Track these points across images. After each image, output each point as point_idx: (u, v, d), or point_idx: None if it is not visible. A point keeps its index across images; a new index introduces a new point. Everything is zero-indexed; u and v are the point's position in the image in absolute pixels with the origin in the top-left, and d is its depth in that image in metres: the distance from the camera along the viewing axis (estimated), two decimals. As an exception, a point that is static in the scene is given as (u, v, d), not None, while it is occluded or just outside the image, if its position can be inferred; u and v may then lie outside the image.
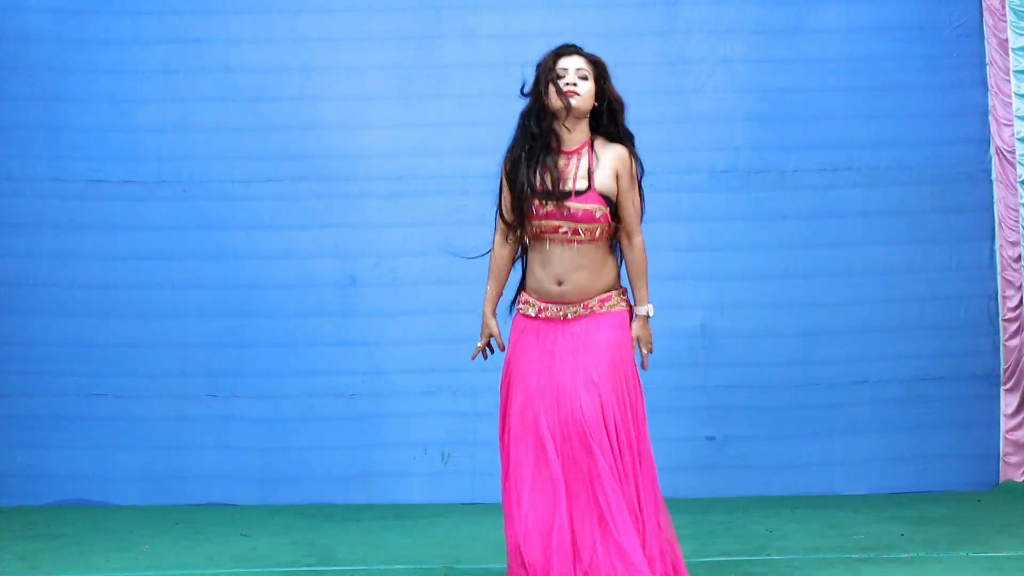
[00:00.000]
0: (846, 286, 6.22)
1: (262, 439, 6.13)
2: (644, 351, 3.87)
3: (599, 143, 3.81)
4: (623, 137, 3.84)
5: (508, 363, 3.88)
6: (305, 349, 6.18)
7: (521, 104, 3.84)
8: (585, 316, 3.79)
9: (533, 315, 3.85)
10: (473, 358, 4.03)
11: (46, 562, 4.63)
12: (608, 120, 3.82)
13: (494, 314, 3.99)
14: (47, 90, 6.23)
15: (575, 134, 3.79)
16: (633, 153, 3.82)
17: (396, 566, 4.50)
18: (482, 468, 6.06)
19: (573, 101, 3.71)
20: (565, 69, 3.74)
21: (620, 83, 5.73)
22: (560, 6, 6.34)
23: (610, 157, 3.77)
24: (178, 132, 6.24)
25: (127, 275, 6.18)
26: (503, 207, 3.95)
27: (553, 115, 3.76)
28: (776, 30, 6.31)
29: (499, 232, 4.02)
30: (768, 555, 4.59)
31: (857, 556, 4.53)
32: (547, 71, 3.76)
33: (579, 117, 3.77)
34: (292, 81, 6.28)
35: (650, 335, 3.88)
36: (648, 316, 3.85)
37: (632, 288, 3.88)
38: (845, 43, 6.29)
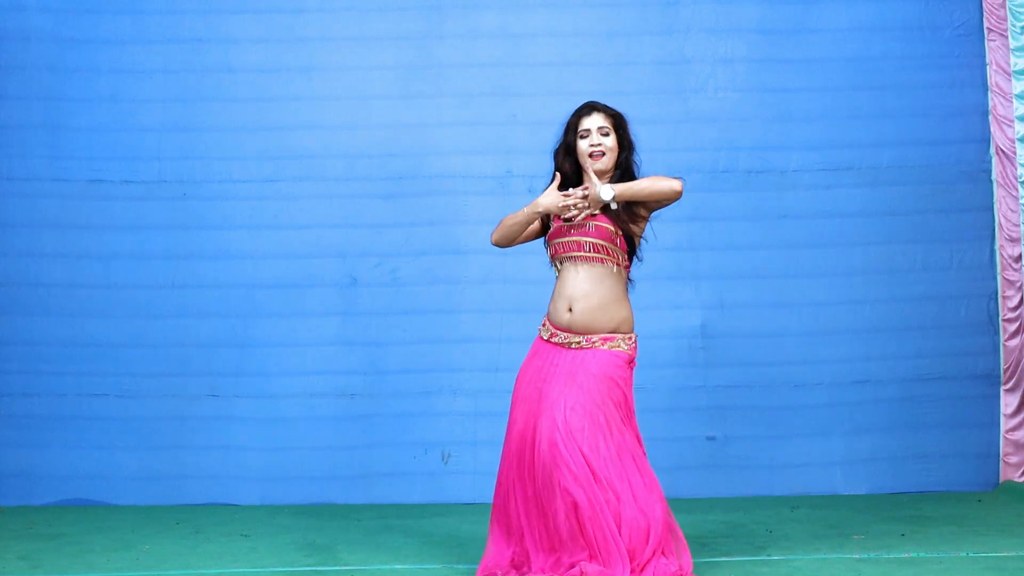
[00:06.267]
0: (846, 286, 6.23)
1: (262, 439, 6.13)
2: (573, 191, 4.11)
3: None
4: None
5: (518, 380, 4.21)
6: (305, 349, 6.18)
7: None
8: (587, 349, 4.10)
9: (546, 337, 4.20)
10: (574, 210, 4.15)
11: (46, 562, 4.63)
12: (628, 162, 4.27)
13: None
14: (47, 90, 6.23)
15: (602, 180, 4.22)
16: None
17: (396, 566, 4.50)
18: (482, 468, 6.06)
19: (598, 165, 4.17)
20: (588, 130, 4.20)
21: (620, 83, 5.78)
22: (560, 6, 6.34)
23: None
24: (178, 132, 6.25)
25: (127, 275, 6.18)
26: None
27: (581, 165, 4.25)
28: (776, 30, 6.31)
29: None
30: (768, 555, 4.59)
31: (857, 556, 4.53)
32: (572, 131, 4.24)
33: (608, 172, 4.22)
34: (292, 81, 6.28)
35: (597, 199, 4.07)
36: (603, 197, 4.05)
37: None
38: (846, 43, 6.30)
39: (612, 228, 4.12)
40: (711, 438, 6.18)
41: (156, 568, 4.52)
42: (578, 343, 4.10)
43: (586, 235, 4.13)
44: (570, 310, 4.12)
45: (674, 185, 4.08)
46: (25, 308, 6.15)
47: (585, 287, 4.12)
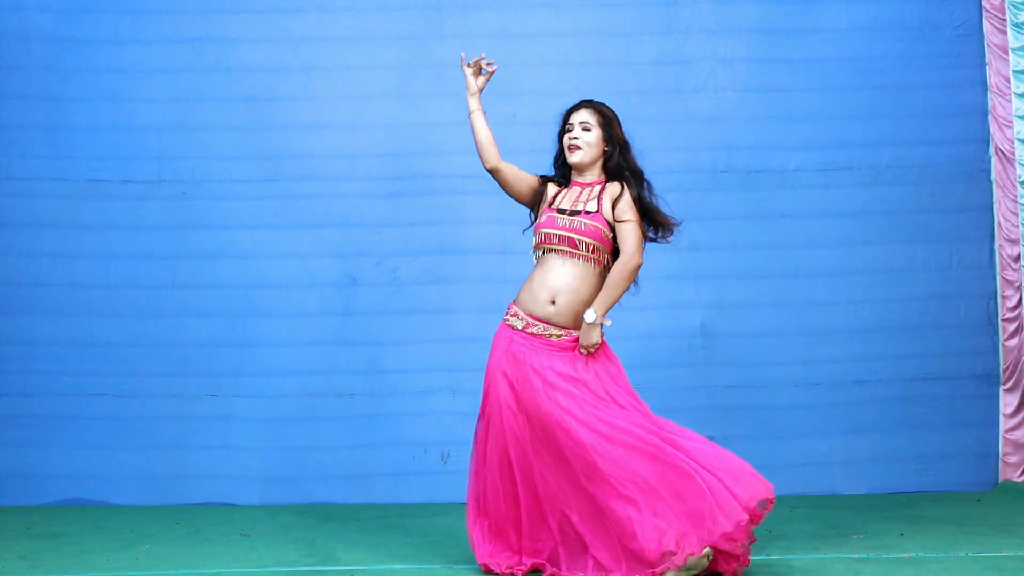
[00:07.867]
0: (846, 286, 6.23)
1: (262, 439, 6.13)
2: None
3: (611, 185, 4.30)
4: (632, 174, 4.30)
5: (491, 374, 4.33)
6: (305, 349, 6.18)
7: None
8: (570, 345, 4.19)
9: (520, 327, 4.25)
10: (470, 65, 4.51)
11: (46, 562, 4.63)
12: (620, 159, 4.31)
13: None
14: (47, 90, 6.23)
15: (587, 175, 4.36)
16: (631, 188, 4.26)
17: (396, 566, 4.50)
18: (482, 468, 6.06)
19: (575, 157, 4.31)
20: (571, 124, 4.34)
21: (620, 83, 5.77)
22: (560, 6, 6.34)
23: (608, 191, 4.29)
24: (178, 132, 6.24)
25: (127, 275, 6.18)
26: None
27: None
28: (776, 30, 6.31)
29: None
30: (768, 555, 4.59)
31: (857, 556, 4.53)
32: (561, 124, 4.39)
33: (586, 166, 4.33)
34: (292, 81, 6.28)
35: (591, 342, 4.15)
36: (592, 323, 4.12)
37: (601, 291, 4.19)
38: (845, 43, 6.30)
39: (604, 228, 4.20)
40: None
41: (156, 568, 4.53)
42: (558, 336, 4.19)
43: (578, 232, 4.20)
44: (553, 302, 4.19)
45: (633, 264, 4.17)
46: (25, 308, 6.15)
47: (571, 282, 4.19)
